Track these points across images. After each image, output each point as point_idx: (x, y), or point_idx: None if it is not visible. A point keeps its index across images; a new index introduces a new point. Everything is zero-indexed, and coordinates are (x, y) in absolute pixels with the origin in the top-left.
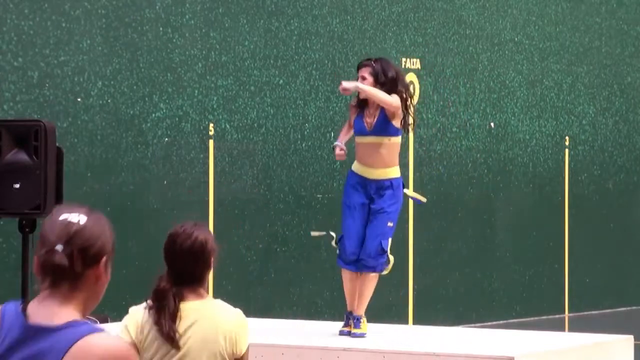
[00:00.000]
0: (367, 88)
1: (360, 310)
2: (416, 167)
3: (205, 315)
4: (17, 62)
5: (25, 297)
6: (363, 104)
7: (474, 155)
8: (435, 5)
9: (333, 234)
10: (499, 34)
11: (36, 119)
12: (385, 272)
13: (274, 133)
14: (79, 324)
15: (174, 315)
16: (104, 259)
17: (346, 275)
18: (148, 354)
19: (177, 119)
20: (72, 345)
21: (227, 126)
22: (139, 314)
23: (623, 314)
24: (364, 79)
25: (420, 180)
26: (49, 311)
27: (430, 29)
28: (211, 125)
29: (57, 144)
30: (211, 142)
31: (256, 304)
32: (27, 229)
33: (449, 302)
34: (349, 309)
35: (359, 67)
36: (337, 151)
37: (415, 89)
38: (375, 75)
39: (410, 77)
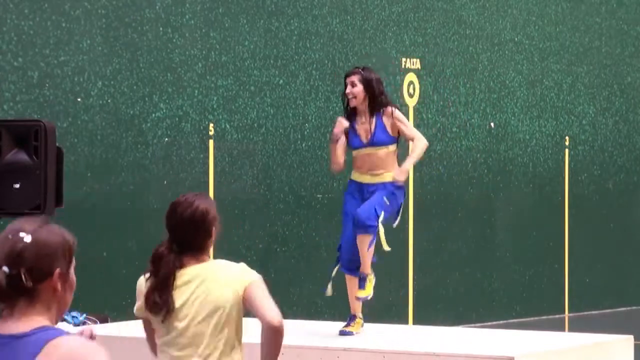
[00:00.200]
0: (413, 161)
1: (365, 269)
2: (416, 167)
3: (207, 275)
4: (17, 62)
5: None
6: (352, 114)
7: (474, 155)
8: (435, 5)
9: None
10: (499, 34)
11: (36, 119)
12: (381, 235)
13: (274, 133)
14: (47, 328)
15: (165, 281)
16: (56, 272)
17: (349, 280)
18: (158, 318)
19: (177, 119)
20: (43, 347)
21: (227, 126)
22: (142, 284)
23: (623, 314)
24: (354, 85)
25: (420, 180)
26: (14, 324)
27: (430, 29)
28: (211, 125)
29: (57, 144)
30: (211, 142)
31: None
32: None
33: (449, 302)
34: (352, 312)
35: (347, 76)
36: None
37: (415, 89)
38: (364, 83)
39: (410, 77)
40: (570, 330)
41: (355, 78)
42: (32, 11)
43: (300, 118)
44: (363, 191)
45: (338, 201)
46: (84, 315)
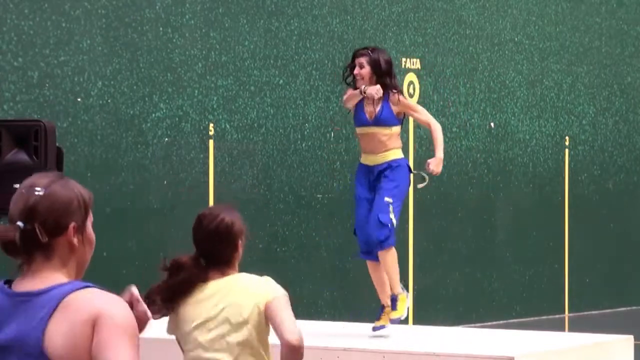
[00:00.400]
0: (442, 148)
1: (395, 289)
2: (416, 167)
3: (230, 288)
4: (17, 62)
5: None
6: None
7: (474, 155)
8: (435, 5)
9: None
10: (499, 34)
11: (36, 119)
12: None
13: (274, 133)
14: (63, 284)
15: (177, 287)
16: (71, 226)
17: (369, 265)
18: (186, 326)
19: (177, 119)
20: (59, 303)
21: (227, 126)
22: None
23: (623, 314)
24: (362, 66)
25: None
26: (32, 281)
27: (430, 29)
28: (211, 125)
29: (57, 144)
30: (211, 142)
31: None
32: None
33: (449, 302)
34: (382, 302)
35: (355, 56)
36: (369, 90)
37: (415, 89)
38: (372, 64)
39: (410, 77)
40: (570, 330)
41: (363, 60)
42: (32, 11)
43: (300, 118)
44: (370, 175)
45: (338, 201)
46: None
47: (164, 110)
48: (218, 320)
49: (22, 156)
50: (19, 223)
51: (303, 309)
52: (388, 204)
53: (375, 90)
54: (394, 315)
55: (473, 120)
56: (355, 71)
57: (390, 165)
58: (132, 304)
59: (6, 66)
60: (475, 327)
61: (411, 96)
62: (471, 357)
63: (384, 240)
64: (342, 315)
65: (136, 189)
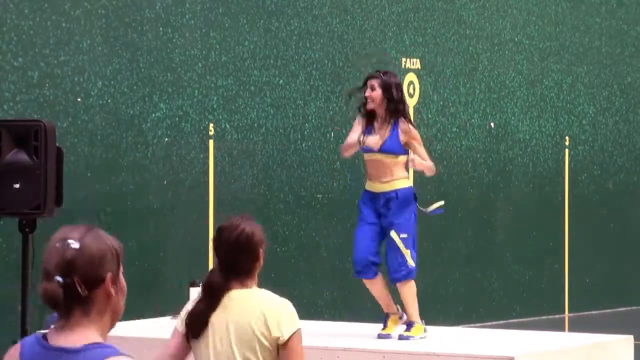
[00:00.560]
0: (428, 165)
1: (412, 317)
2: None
3: (246, 302)
4: (17, 62)
5: (24, 297)
6: (371, 116)
7: (474, 155)
8: (435, 5)
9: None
10: (499, 34)
11: (36, 119)
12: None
13: (274, 133)
14: (99, 346)
15: (208, 306)
16: (108, 276)
17: (365, 283)
18: (200, 343)
19: (177, 119)
20: None
21: (227, 126)
22: (189, 306)
23: (623, 314)
24: (373, 89)
25: (421, 181)
26: (68, 336)
27: (430, 29)
28: (211, 125)
29: (57, 144)
30: (211, 142)
31: None
32: (27, 229)
33: (449, 302)
34: (385, 311)
35: (367, 79)
36: (369, 141)
37: (415, 89)
38: (384, 87)
39: (410, 77)
40: (570, 330)
41: (375, 82)
42: (32, 11)
43: (300, 118)
44: (376, 201)
45: (338, 201)
46: None
47: (164, 110)
48: (229, 332)
49: (22, 156)
50: (58, 278)
51: (303, 309)
52: (399, 242)
53: (375, 142)
54: (407, 334)
55: (473, 120)
56: (367, 93)
57: (397, 195)
58: None
59: (6, 66)
60: (475, 327)
61: (411, 96)
62: (471, 357)
63: (403, 276)
64: (342, 315)
65: (136, 189)
